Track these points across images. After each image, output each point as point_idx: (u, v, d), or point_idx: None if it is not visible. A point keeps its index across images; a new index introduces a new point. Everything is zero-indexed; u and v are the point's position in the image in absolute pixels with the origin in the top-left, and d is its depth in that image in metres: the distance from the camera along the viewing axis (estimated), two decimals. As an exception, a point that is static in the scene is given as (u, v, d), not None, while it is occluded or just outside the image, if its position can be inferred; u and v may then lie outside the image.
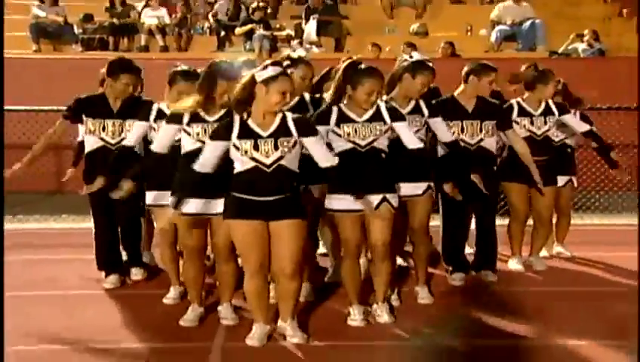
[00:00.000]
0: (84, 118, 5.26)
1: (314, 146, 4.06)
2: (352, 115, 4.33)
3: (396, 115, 4.39)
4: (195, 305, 4.68)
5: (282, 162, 4.01)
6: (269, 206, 4.03)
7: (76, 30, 11.83)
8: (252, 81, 3.97)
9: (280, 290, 4.26)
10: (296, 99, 4.71)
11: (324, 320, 4.67)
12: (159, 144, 4.47)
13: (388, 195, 4.36)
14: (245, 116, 4.01)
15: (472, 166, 5.07)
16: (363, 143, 4.32)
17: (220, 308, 4.67)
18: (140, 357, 4.13)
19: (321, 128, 4.25)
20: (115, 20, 11.94)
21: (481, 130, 5.19)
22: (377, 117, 4.35)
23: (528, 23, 11.58)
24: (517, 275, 5.76)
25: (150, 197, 4.91)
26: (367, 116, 4.33)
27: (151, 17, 11.97)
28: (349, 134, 4.31)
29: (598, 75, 9.85)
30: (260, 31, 11.56)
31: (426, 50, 9.47)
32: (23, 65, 10.09)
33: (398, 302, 4.92)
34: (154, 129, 4.80)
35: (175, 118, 4.39)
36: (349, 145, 4.32)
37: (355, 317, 4.53)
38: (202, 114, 4.37)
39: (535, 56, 10.53)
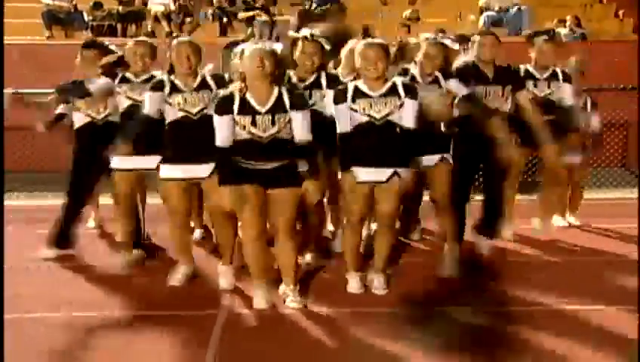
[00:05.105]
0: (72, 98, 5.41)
1: (298, 120, 4.12)
2: (367, 90, 4.32)
3: (409, 91, 4.36)
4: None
5: (279, 135, 4.12)
6: (266, 173, 4.12)
7: (86, 17, 12.28)
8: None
9: (277, 252, 4.37)
10: (314, 76, 4.87)
11: (324, 287, 4.74)
12: (150, 109, 4.58)
13: (399, 170, 4.37)
14: (243, 91, 4.09)
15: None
16: (379, 116, 4.30)
17: (219, 269, 4.78)
18: (146, 325, 4.12)
19: (340, 106, 4.33)
20: (120, 8, 12.39)
21: (502, 95, 5.17)
22: (393, 92, 4.33)
23: (515, 8, 12.19)
24: (517, 245, 5.81)
25: (116, 160, 4.98)
26: (382, 91, 4.33)
27: (157, 4, 12.40)
28: (364, 108, 4.30)
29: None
30: (261, 17, 11.92)
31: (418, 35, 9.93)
32: (36, 51, 10.59)
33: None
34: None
35: (158, 86, 4.56)
36: (365, 118, 4.32)
37: (353, 284, 4.63)
38: (180, 85, 4.53)
39: (521, 41, 11.05)
